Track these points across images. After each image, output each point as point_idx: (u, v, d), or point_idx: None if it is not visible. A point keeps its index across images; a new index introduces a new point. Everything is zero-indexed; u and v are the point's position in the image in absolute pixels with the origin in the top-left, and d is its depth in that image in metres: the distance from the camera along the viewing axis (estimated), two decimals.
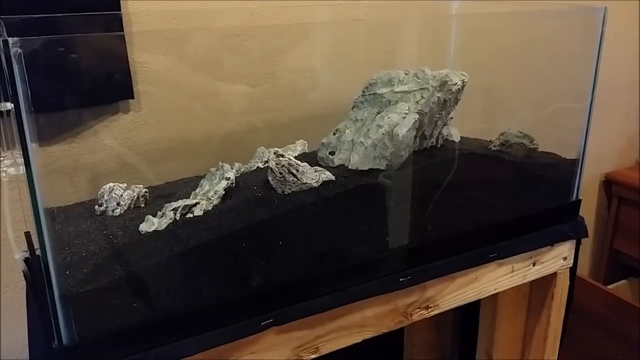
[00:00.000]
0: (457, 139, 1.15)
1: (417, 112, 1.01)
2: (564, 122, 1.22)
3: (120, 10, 1.02)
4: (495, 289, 1.07)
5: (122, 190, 0.94)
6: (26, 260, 0.86)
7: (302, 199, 0.91)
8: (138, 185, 0.97)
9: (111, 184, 0.94)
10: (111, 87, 1.06)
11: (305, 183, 0.93)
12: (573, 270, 1.17)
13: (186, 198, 0.91)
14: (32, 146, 0.65)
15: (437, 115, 1.06)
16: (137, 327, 0.76)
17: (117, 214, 0.93)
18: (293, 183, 0.92)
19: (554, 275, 1.15)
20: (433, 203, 1.02)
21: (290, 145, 1.13)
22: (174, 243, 0.82)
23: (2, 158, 0.88)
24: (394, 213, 0.98)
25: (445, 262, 0.99)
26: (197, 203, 0.88)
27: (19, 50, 0.62)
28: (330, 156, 1.04)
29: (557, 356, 1.24)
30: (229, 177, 0.92)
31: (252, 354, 0.85)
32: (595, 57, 1.07)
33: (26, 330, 0.97)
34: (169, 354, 0.77)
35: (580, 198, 1.14)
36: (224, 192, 0.90)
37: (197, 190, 0.94)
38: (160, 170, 1.11)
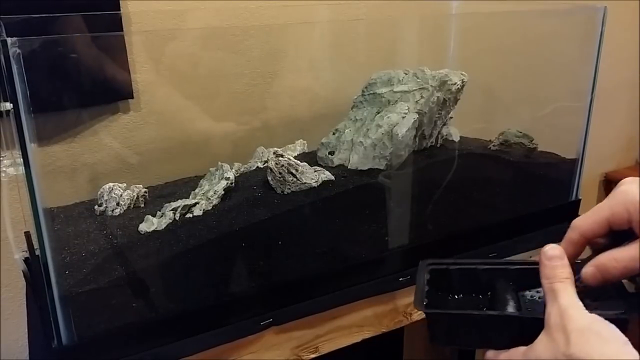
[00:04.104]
0: (456, 138, 1.15)
1: (416, 112, 1.01)
2: (564, 122, 1.22)
3: (120, 10, 1.02)
4: None
5: (121, 190, 0.94)
6: (26, 260, 0.86)
7: (301, 199, 0.91)
8: (138, 185, 0.97)
9: (111, 184, 0.94)
10: (111, 87, 1.06)
11: (305, 183, 0.93)
12: None
13: (186, 198, 0.92)
14: (31, 146, 0.65)
15: (437, 115, 1.06)
16: (136, 327, 0.76)
17: (117, 214, 0.93)
18: (292, 183, 0.92)
19: None
20: (432, 203, 1.02)
21: (289, 145, 1.13)
22: (173, 243, 0.82)
23: (1, 158, 0.88)
24: (394, 213, 0.98)
25: None
26: (196, 203, 0.88)
27: (18, 50, 0.62)
28: (329, 156, 1.04)
29: None
30: (229, 177, 0.92)
31: (251, 354, 0.85)
32: (595, 57, 1.07)
33: (26, 330, 0.97)
34: (169, 354, 0.77)
35: (580, 197, 1.14)
36: (223, 192, 0.90)
37: (196, 190, 0.94)
38: (160, 170, 1.11)
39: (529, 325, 0.50)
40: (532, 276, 0.55)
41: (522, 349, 0.50)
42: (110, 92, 1.07)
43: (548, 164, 1.18)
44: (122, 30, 1.04)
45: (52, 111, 1.01)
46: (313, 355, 0.91)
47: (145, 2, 1.07)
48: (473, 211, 1.06)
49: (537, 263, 0.55)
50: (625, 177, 0.52)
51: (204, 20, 1.15)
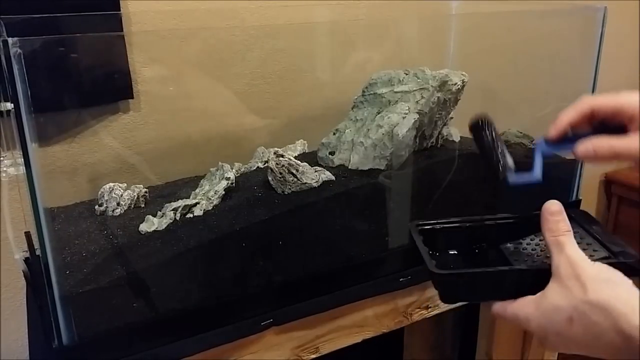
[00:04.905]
0: (457, 138, 1.15)
1: (417, 112, 1.01)
2: None
3: (120, 10, 1.02)
4: None
5: (122, 190, 0.94)
6: (26, 260, 0.86)
7: (302, 199, 0.91)
8: (138, 185, 0.97)
9: (111, 184, 0.94)
10: (111, 87, 1.06)
11: (305, 183, 0.93)
12: None
13: (186, 198, 0.92)
14: (31, 146, 0.65)
15: (437, 115, 1.06)
16: (137, 327, 0.76)
17: (117, 214, 0.93)
18: (293, 183, 0.92)
19: None
20: (433, 203, 1.02)
21: (290, 145, 1.13)
22: (174, 243, 0.82)
23: (2, 158, 0.88)
24: (394, 213, 0.98)
25: None
26: (197, 203, 0.88)
27: (19, 50, 0.62)
28: (330, 156, 1.04)
29: (557, 356, 1.24)
30: (229, 177, 0.92)
31: (252, 354, 0.85)
32: (595, 57, 1.07)
33: (26, 330, 0.97)
34: (169, 354, 0.77)
35: (580, 198, 1.15)
36: (224, 192, 0.90)
37: (197, 190, 0.94)
38: (160, 170, 1.11)
39: (534, 276, 0.55)
40: (511, 230, 0.67)
41: (529, 298, 0.54)
42: (110, 92, 1.07)
43: (548, 164, 1.18)
44: (122, 30, 1.04)
45: (53, 111, 1.01)
46: (313, 356, 0.91)
47: (145, 2, 1.07)
48: (473, 211, 1.06)
49: (513, 217, 0.68)
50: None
51: (204, 20, 1.15)
